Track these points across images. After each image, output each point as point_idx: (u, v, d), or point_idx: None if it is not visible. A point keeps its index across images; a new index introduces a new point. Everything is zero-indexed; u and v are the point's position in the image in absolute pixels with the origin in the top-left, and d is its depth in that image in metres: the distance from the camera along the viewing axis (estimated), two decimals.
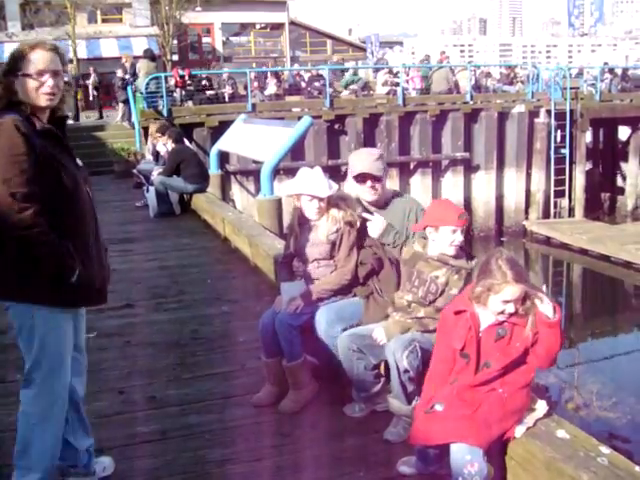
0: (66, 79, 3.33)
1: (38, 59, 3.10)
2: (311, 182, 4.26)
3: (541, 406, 3.27)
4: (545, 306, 3.13)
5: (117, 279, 7.64)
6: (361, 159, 4.43)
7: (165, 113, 18.58)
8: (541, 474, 2.99)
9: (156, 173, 11.55)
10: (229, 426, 4.11)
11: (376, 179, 4.34)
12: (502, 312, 3.18)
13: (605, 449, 2.96)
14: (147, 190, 11.61)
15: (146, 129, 16.48)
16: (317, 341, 4.24)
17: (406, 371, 3.63)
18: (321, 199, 4.26)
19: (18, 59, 3.10)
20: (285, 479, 3.57)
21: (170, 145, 11.65)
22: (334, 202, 4.32)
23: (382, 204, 4.46)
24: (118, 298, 6.70)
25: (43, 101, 3.13)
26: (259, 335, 4.40)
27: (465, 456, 3.04)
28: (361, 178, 4.35)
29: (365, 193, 4.40)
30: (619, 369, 11.34)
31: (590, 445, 3.01)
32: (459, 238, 3.78)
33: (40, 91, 3.11)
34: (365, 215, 4.27)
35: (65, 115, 3.40)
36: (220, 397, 4.50)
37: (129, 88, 19.67)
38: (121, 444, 3.92)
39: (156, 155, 12.89)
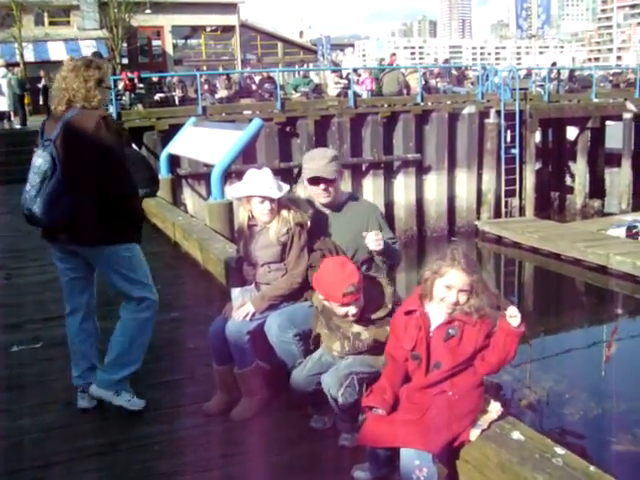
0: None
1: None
2: (262, 183, 4.15)
3: (495, 408, 3.22)
4: (515, 318, 3.07)
5: None
6: (314, 162, 4.34)
7: (114, 117, 18.30)
8: (497, 477, 2.95)
9: None
10: (179, 436, 3.99)
11: (329, 182, 4.27)
12: (443, 299, 3.14)
13: (560, 450, 2.93)
14: None
15: None
16: (269, 347, 4.15)
17: (342, 406, 3.58)
18: (272, 200, 4.17)
19: (106, 72, 4.06)
20: None
21: None
22: (284, 203, 4.23)
23: (336, 206, 4.38)
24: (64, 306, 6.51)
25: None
26: (209, 342, 4.30)
27: (414, 461, 2.98)
28: (314, 181, 4.28)
29: (319, 196, 4.33)
30: (571, 365, 11.49)
31: (545, 446, 2.98)
32: (352, 311, 3.57)
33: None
34: (364, 233, 4.09)
35: None
36: (169, 406, 4.38)
37: None
38: (68, 458, 3.79)
39: None
